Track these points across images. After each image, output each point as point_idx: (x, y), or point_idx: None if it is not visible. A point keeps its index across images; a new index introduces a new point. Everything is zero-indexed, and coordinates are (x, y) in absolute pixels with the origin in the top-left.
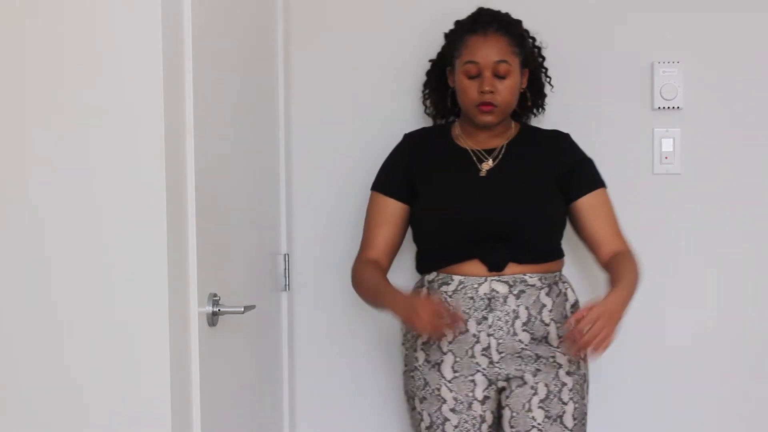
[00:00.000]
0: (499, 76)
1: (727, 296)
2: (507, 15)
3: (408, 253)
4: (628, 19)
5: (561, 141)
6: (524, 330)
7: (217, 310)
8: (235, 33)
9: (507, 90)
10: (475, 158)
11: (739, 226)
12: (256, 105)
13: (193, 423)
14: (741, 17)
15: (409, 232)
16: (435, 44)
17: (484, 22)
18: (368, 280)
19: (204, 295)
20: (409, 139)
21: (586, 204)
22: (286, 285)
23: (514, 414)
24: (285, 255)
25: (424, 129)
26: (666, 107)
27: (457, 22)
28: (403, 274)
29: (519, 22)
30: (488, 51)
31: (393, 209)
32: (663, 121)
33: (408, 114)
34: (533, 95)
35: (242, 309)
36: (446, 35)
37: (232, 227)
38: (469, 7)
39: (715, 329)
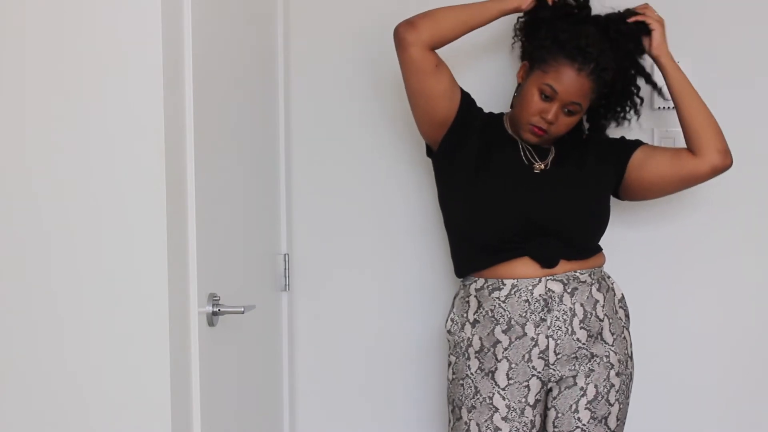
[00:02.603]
0: (568, 113)
1: (727, 295)
2: (610, 57)
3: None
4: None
5: (597, 138)
6: (581, 327)
7: (217, 310)
8: (236, 32)
9: (564, 125)
10: (525, 154)
11: (738, 226)
12: (256, 105)
13: (193, 423)
14: (741, 17)
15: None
16: None
17: (586, 57)
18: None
19: (204, 295)
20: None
21: (641, 154)
22: (286, 285)
23: (560, 414)
24: (285, 255)
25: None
26: (666, 107)
27: (564, 30)
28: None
29: (620, 57)
30: (572, 89)
31: (452, 90)
32: (663, 121)
33: (409, 114)
34: (592, 124)
35: (242, 309)
36: (548, 26)
37: (232, 227)
38: (449, 3)
39: (717, 328)
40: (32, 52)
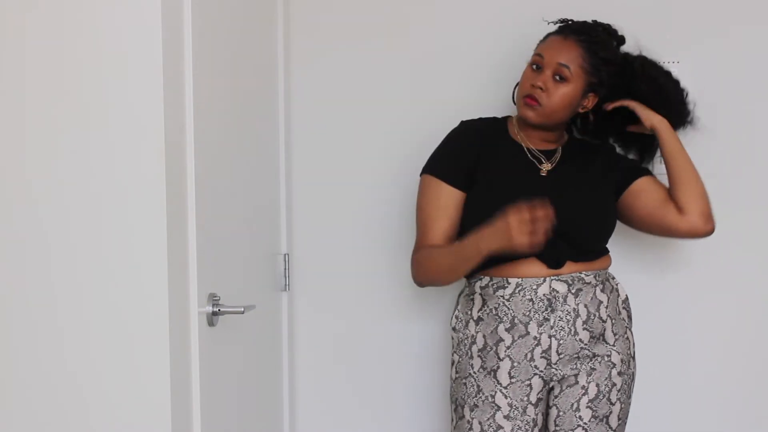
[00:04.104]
0: (557, 80)
1: (728, 295)
2: (604, 39)
3: None
4: (629, 20)
5: (606, 150)
6: (584, 328)
7: (217, 310)
8: (236, 32)
9: (558, 96)
10: (531, 156)
11: (739, 227)
12: (257, 105)
13: (193, 423)
14: (741, 17)
15: None
16: (435, 44)
17: (573, 28)
18: (438, 255)
19: (204, 295)
20: (469, 126)
21: (643, 184)
22: (286, 285)
23: (561, 413)
24: (285, 255)
25: (481, 119)
26: None
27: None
28: None
29: (612, 52)
30: (558, 52)
31: (450, 198)
32: None
33: (408, 114)
34: (603, 123)
35: (242, 309)
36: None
37: (232, 227)
38: (462, 3)
39: (718, 329)
40: (32, 52)
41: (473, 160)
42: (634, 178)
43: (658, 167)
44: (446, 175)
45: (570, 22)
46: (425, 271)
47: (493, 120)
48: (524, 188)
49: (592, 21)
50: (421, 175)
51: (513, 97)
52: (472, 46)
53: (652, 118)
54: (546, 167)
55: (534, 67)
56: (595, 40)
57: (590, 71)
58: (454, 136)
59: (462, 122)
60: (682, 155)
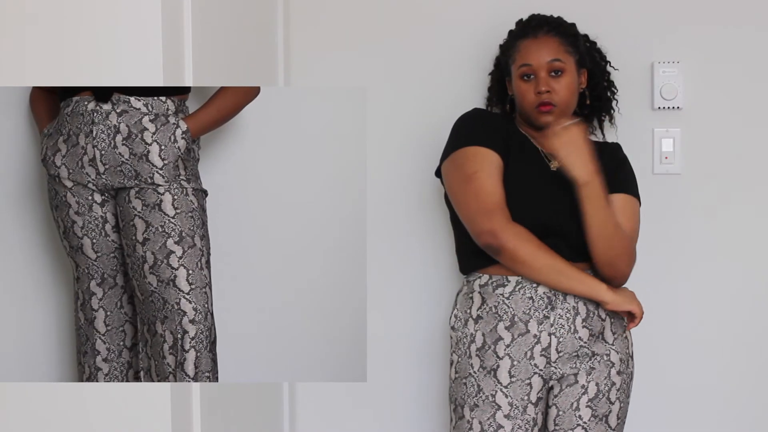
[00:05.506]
0: (555, 75)
1: (728, 295)
2: (559, 18)
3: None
4: (628, 19)
5: (610, 149)
6: (584, 326)
7: None
8: (236, 32)
9: (564, 89)
10: (541, 151)
11: (739, 227)
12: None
13: (193, 422)
14: (741, 17)
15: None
16: (435, 44)
17: (534, 26)
18: (558, 263)
19: None
20: (485, 110)
21: (614, 200)
22: None
23: (561, 412)
24: None
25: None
26: (666, 107)
27: (510, 32)
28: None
29: (572, 24)
30: (541, 52)
31: (500, 165)
32: (663, 121)
33: (408, 114)
34: (593, 97)
35: None
36: (501, 46)
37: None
38: (462, 3)
39: (718, 328)
40: (32, 52)
41: (504, 134)
42: (612, 190)
43: (658, 167)
44: (488, 143)
45: (517, 28)
46: (529, 254)
47: (503, 115)
48: (536, 180)
49: (531, 15)
50: (453, 151)
51: (515, 109)
52: (472, 47)
53: (581, 169)
54: (555, 164)
55: (525, 77)
56: (556, 23)
57: (573, 51)
58: (476, 114)
59: (475, 108)
60: (599, 213)
